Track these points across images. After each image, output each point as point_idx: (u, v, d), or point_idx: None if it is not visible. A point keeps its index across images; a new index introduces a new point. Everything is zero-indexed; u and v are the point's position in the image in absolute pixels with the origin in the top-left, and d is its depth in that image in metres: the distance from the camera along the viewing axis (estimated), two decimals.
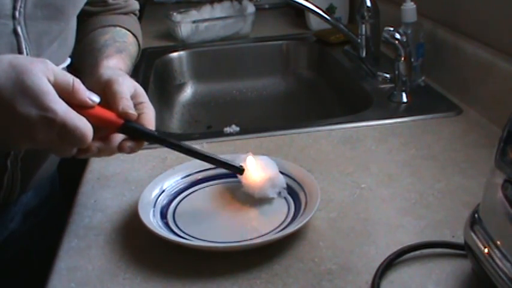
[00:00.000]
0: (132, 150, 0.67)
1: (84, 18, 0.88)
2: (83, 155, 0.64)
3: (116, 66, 0.77)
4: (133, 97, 0.68)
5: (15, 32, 0.69)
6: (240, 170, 0.72)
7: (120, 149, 0.66)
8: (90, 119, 0.60)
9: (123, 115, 0.65)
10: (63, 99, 0.58)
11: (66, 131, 0.58)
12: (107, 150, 0.66)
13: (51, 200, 0.96)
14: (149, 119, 0.68)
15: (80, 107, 0.60)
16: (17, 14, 0.69)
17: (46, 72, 0.58)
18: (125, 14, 0.94)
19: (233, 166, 0.71)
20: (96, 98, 0.62)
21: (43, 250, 0.74)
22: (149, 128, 0.67)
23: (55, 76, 0.59)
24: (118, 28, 0.89)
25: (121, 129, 0.65)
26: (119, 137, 0.66)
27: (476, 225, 0.54)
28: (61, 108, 0.57)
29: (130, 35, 0.90)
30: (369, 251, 0.63)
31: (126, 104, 0.65)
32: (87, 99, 0.61)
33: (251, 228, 0.68)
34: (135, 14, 0.97)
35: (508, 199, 0.49)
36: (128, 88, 0.68)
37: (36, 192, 0.90)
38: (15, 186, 0.80)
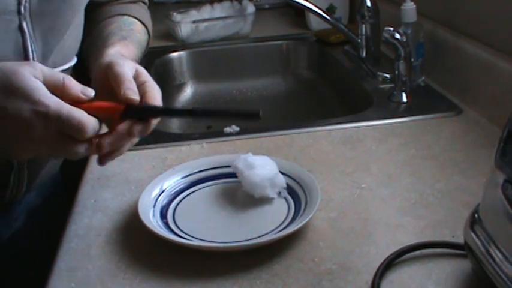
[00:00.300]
0: (142, 134, 0.64)
1: (92, 9, 0.87)
2: (95, 152, 0.62)
3: (117, 53, 0.75)
4: (135, 77, 0.67)
5: (20, 28, 0.68)
6: (256, 114, 0.63)
7: (130, 134, 0.64)
8: (89, 112, 0.59)
9: (125, 100, 0.63)
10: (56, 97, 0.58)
11: (62, 123, 0.57)
12: (118, 142, 0.64)
13: (54, 200, 0.96)
14: (154, 98, 0.66)
15: (75, 102, 0.60)
16: (22, 9, 0.68)
17: (34, 72, 0.58)
18: (134, 2, 0.93)
19: (247, 113, 0.65)
20: (90, 92, 0.62)
21: (45, 250, 0.74)
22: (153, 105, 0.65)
23: (44, 75, 0.59)
24: (125, 17, 0.88)
25: (125, 114, 0.63)
26: (126, 126, 0.64)
27: (476, 225, 0.54)
28: (53, 101, 0.57)
29: (138, 23, 0.89)
30: (369, 251, 0.63)
31: (128, 87, 0.64)
32: (80, 94, 0.61)
33: (251, 228, 0.68)
34: (144, 3, 0.96)
35: (508, 199, 0.49)
36: (129, 69, 0.67)
37: (39, 192, 0.90)
38: (22, 184, 0.80)
